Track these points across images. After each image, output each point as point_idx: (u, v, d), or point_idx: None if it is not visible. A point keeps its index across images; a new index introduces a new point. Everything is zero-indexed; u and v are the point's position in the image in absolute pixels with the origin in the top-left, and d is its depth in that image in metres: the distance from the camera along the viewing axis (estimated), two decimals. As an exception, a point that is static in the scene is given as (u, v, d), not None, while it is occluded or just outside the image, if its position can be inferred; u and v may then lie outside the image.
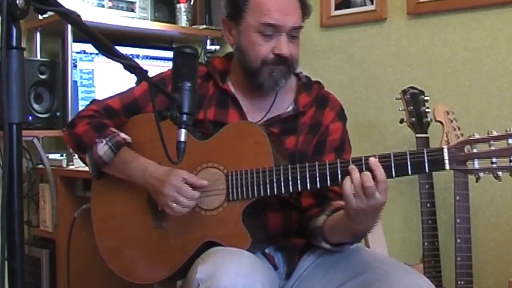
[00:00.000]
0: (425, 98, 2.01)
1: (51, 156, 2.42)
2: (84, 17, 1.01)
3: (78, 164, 2.27)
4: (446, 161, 1.24)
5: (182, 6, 2.77)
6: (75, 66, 2.42)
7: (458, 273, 1.91)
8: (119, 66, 1.08)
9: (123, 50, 2.23)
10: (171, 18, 2.78)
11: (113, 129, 1.56)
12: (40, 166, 2.45)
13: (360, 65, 2.47)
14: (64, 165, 2.36)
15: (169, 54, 2.70)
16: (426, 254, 1.97)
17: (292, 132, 1.55)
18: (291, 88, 1.62)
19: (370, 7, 2.41)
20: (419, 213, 1.99)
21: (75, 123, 1.60)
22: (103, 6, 2.49)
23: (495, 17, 2.10)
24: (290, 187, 1.38)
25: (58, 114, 2.41)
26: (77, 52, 2.43)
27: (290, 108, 1.59)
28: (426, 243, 1.97)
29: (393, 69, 2.37)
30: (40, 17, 2.38)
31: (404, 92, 2.02)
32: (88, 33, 1.02)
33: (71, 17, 1.00)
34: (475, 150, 1.23)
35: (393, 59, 2.37)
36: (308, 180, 1.36)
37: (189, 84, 1.22)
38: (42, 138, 2.48)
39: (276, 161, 1.42)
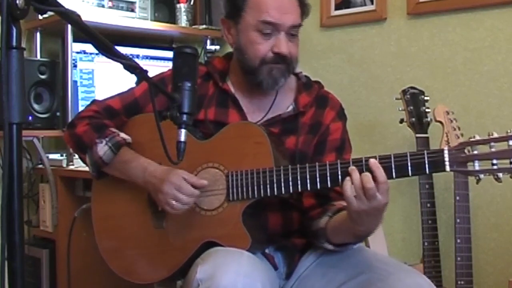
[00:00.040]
0: (425, 98, 2.01)
1: (51, 156, 2.42)
2: (84, 17, 1.01)
3: (78, 164, 2.27)
4: (447, 163, 1.24)
5: (182, 6, 2.77)
6: (75, 66, 2.42)
7: (458, 273, 1.91)
8: (119, 66, 1.08)
9: (123, 50, 2.23)
10: (171, 18, 2.78)
11: (113, 129, 1.56)
12: (40, 166, 2.45)
13: (360, 65, 2.47)
14: (64, 165, 2.36)
15: (169, 54, 2.70)
16: (426, 254, 1.97)
17: (292, 132, 1.55)
18: (291, 88, 1.62)
19: (370, 7, 2.41)
20: (419, 213, 1.99)
21: (75, 124, 1.60)
22: (103, 6, 2.49)
23: (495, 17, 2.10)
24: (290, 187, 1.38)
25: (58, 114, 2.41)
26: (77, 52, 2.42)
27: (290, 108, 1.59)
28: (426, 243, 1.98)
29: (393, 69, 2.37)
30: (40, 17, 2.38)
31: (404, 92, 2.02)
32: (88, 33, 1.02)
33: (71, 17, 1.00)
34: (475, 152, 1.23)
35: (393, 59, 2.37)
36: (308, 181, 1.36)
37: (189, 84, 1.22)
38: (42, 138, 2.48)
39: (277, 161, 1.42)
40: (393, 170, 1.27)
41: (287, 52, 1.49)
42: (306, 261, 1.53)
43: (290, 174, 1.38)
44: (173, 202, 1.40)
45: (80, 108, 2.27)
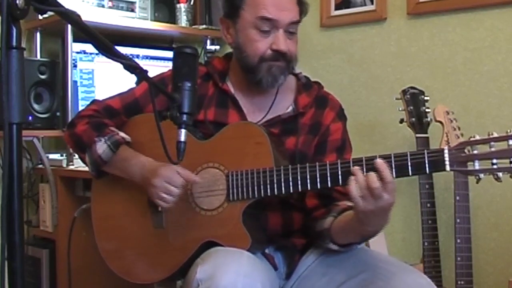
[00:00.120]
0: (425, 98, 2.01)
1: (51, 156, 2.42)
2: (84, 17, 1.01)
3: (78, 164, 2.27)
4: (447, 162, 1.24)
5: (182, 6, 2.77)
6: (75, 66, 2.42)
7: (458, 273, 1.91)
8: (119, 66, 1.08)
9: (123, 50, 2.23)
10: (171, 18, 2.78)
11: (113, 128, 1.56)
12: (40, 166, 2.45)
13: (360, 65, 2.47)
14: (64, 165, 2.36)
15: (169, 54, 2.70)
16: (426, 254, 1.97)
17: (292, 132, 1.55)
18: (291, 89, 1.62)
19: (370, 7, 2.41)
20: (419, 213, 1.99)
21: (75, 123, 1.60)
22: (103, 6, 2.49)
23: (495, 17, 2.10)
24: (291, 187, 1.38)
25: (58, 114, 2.41)
26: (77, 52, 2.43)
27: (290, 108, 1.59)
28: (426, 243, 1.97)
29: (393, 69, 2.37)
30: (40, 17, 2.38)
31: (404, 92, 2.02)
32: (88, 33, 1.02)
33: (71, 17, 1.00)
34: (475, 151, 1.23)
35: (393, 59, 2.37)
36: (308, 181, 1.36)
37: (189, 84, 1.22)
38: (42, 138, 2.48)
39: (277, 161, 1.42)
40: (393, 170, 1.27)
41: (286, 49, 1.49)
42: (306, 261, 1.53)
43: (290, 174, 1.38)
44: (164, 195, 1.40)
45: (80, 108, 2.27)
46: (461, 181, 1.94)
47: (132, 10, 2.58)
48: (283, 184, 1.38)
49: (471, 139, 1.24)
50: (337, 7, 2.51)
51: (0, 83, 0.92)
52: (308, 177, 1.36)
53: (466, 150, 1.24)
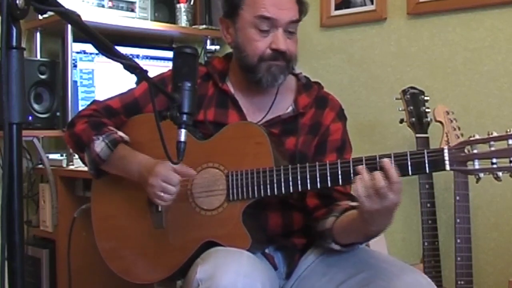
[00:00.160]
0: (425, 98, 2.01)
1: (51, 156, 2.42)
2: (84, 17, 1.01)
3: (78, 164, 2.27)
4: (447, 162, 1.24)
5: (182, 6, 2.77)
6: (75, 66, 2.42)
7: (458, 273, 1.91)
8: (119, 66, 1.08)
9: (123, 50, 2.23)
10: (171, 18, 2.78)
11: (111, 128, 1.56)
12: (40, 166, 2.45)
13: (360, 65, 2.47)
14: (64, 165, 2.36)
15: (169, 54, 2.70)
16: (426, 254, 1.97)
17: (292, 133, 1.55)
18: (291, 89, 1.62)
19: (370, 7, 2.41)
20: (419, 213, 1.99)
21: (74, 123, 1.60)
22: (103, 6, 2.49)
23: (495, 17, 2.10)
24: (291, 187, 1.38)
25: (58, 114, 2.41)
26: (77, 52, 2.43)
27: (290, 109, 1.59)
28: (426, 243, 1.97)
29: (393, 69, 2.37)
30: (40, 17, 2.38)
31: (404, 92, 2.02)
32: (88, 33, 1.02)
33: (71, 17, 1.00)
34: (475, 151, 1.23)
35: (393, 59, 2.37)
36: (308, 181, 1.36)
37: (189, 84, 1.22)
38: (42, 138, 2.48)
39: (277, 161, 1.42)
40: (393, 170, 1.27)
41: (285, 48, 1.49)
42: (306, 261, 1.53)
43: (290, 174, 1.38)
44: (161, 193, 1.40)
45: (80, 108, 2.27)
46: (461, 181, 1.94)
47: (132, 10, 2.58)
48: (283, 184, 1.38)
49: (471, 138, 1.24)
50: (337, 7, 2.51)
51: (0, 83, 0.92)
52: (308, 177, 1.36)
53: (466, 150, 1.24)
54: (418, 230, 2.03)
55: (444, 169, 1.25)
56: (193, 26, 2.81)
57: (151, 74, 1.19)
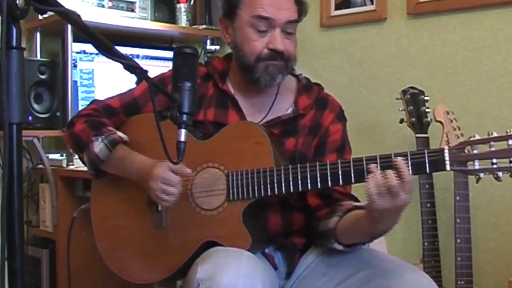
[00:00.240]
0: (425, 98, 2.01)
1: (51, 156, 2.42)
2: (84, 17, 1.01)
3: (78, 164, 2.27)
4: (447, 162, 1.24)
5: (182, 6, 2.77)
6: (75, 66, 2.42)
7: (458, 273, 1.92)
8: (119, 66, 1.08)
9: (123, 50, 2.23)
10: (171, 18, 2.78)
11: (110, 128, 1.56)
12: (40, 166, 2.45)
13: (360, 65, 2.47)
14: (64, 165, 2.36)
15: (169, 54, 2.70)
16: (426, 254, 1.97)
17: (292, 134, 1.55)
18: (291, 90, 1.62)
19: (370, 7, 2.41)
20: (419, 213, 1.99)
21: (73, 122, 1.60)
22: (103, 6, 2.49)
23: (495, 17, 2.10)
24: (291, 187, 1.38)
25: (58, 114, 2.41)
26: (77, 52, 2.43)
27: (290, 110, 1.59)
28: (426, 243, 1.98)
29: (393, 69, 2.37)
30: (40, 17, 2.38)
31: (404, 92, 2.02)
32: (88, 33, 1.02)
33: (71, 17, 1.00)
34: (475, 151, 1.23)
35: (393, 59, 2.37)
36: (308, 181, 1.36)
37: (189, 84, 1.22)
38: (42, 138, 2.48)
39: (277, 161, 1.42)
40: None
41: (283, 48, 1.49)
42: (306, 261, 1.53)
43: (290, 173, 1.38)
44: (163, 195, 1.40)
45: (80, 108, 2.27)
46: (461, 181, 1.94)
47: (132, 10, 2.58)
48: (283, 184, 1.38)
49: (471, 139, 1.24)
50: (337, 7, 2.51)
51: (0, 83, 0.92)
52: (308, 176, 1.36)
53: (466, 150, 1.24)
54: (418, 230, 2.03)
55: (445, 169, 1.25)
56: (193, 26, 2.81)
57: (151, 74, 1.19)
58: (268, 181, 1.39)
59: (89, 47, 2.43)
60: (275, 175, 1.39)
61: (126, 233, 1.58)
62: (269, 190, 1.39)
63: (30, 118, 2.31)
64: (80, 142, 1.56)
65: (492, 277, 2.11)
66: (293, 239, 1.54)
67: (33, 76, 2.30)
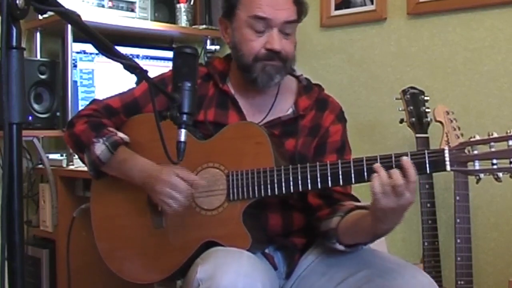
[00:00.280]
0: (425, 98, 2.01)
1: (51, 156, 2.42)
2: (84, 17, 1.01)
3: (78, 164, 2.27)
4: (447, 162, 1.24)
5: (182, 6, 2.77)
6: (75, 66, 2.42)
7: (458, 273, 1.91)
8: (119, 66, 1.08)
9: (123, 50, 2.23)
10: (171, 18, 2.78)
11: (111, 129, 1.55)
12: (40, 166, 2.45)
13: (360, 65, 2.47)
14: (64, 165, 2.36)
15: (169, 54, 2.70)
16: (426, 254, 1.97)
17: (292, 134, 1.55)
18: (292, 91, 1.62)
19: (370, 7, 2.41)
20: (419, 213, 1.99)
21: (74, 122, 1.60)
22: (103, 6, 2.49)
23: (495, 17, 2.10)
24: (291, 187, 1.38)
25: (58, 114, 2.41)
26: (77, 52, 2.43)
27: (290, 111, 1.59)
28: (426, 243, 1.97)
29: (393, 69, 2.37)
30: (40, 17, 2.38)
31: (404, 92, 2.02)
32: (88, 33, 1.02)
33: (71, 17, 1.00)
34: (475, 152, 1.23)
35: (393, 59, 2.37)
36: (309, 181, 1.36)
37: (189, 84, 1.22)
38: (42, 138, 2.48)
39: (277, 161, 1.42)
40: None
41: (280, 48, 1.49)
42: (306, 261, 1.53)
43: (290, 174, 1.38)
44: (170, 201, 1.40)
45: (80, 108, 2.27)
46: (461, 181, 1.94)
47: (132, 10, 2.58)
48: (283, 184, 1.38)
49: (471, 139, 1.24)
50: (337, 7, 2.51)
51: (0, 83, 0.92)
52: (308, 177, 1.36)
53: (466, 150, 1.24)
54: (418, 230, 2.03)
55: (445, 170, 1.25)
56: (193, 26, 2.81)
57: (151, 74, 1.19)
58: (269, 181, 1.39)
59: (89, 47, 2.43)
60: (275, 175, 1.39)
61: (126, 233, 1.57)
62: (269, 190, 1.39)
63: (30, 118, 2.31)
64: (80, 143, 1.56)
65: (492, 277, 2.11)
66: (293, 239, 1.54)
67: (33, 76, 2.30)
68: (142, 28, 2.61)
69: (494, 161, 1.21)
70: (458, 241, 1.93)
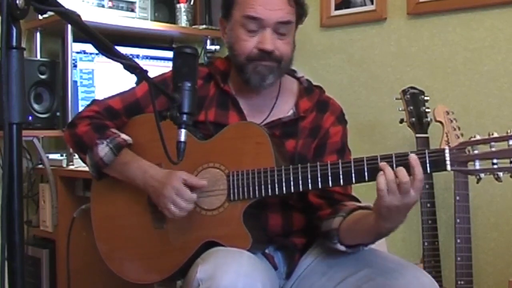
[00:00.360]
0: (425, 98, 2.01)
1: (51, 156, 2.42)
2: (84, 17, 1.01)
3: (78, 164, 2.27)
4: (448, 162, 1.24)
5: (182, 6, 2.77)
6: (75, 66, 2.42)
7: (458, 273, 1.91)
8: (119, 66, 1.07)
9: (123, 50, 2.23)
10: (171, 18, 2.78)
11: (114, 130, 1.55)
12: (40, 166, 2.45)
13: (360, 65, 2.47)
14: (64, 165, 2.36)
15: (169, 54, 2.70)
16: (426, 254, 1.97)
17: (292, 135, 1.55)
18: (293, 92, 1.62)
19: (370, 7, 2.41)
20: (419, 213, 1.98)
21: (75, 123, 1.59)
22: (103, 6, 2.49)
23: (495, 17, 2.10)
24: (292, 187, 1.38)
25: (58, 114, 2.41)
26: (77, 52, 2.43)
27: (291, 112, 1.58)
28: (426, 243, 1.97)
29: (393, 69, 2.37)
30: (40, 17, 2.38)
31: (404, 92, 2.02)
32: (88, 33, 1.02)
33: (71, 17, 1.00)
34: (476, 151, 1.23)
35: (393, 59, 2.37)
36: (309, 181, 1.36)
37: (189, 84, 1.22)
38: (42, 138, 2.48)
39: (277, 161, 1.42)
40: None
41: (272, 48, 1.47)
42: (306, 261, 1.53)
43: (291, 173, 1.38)
44: (172, 206, 1.40)
45: (80, 108, 2.27)
46: (461, 181, 1.94)
47: (132, 10, 2.58)
48: (284, 184, 1.38)
49: (472, 139, 1.24)
50: (337, 7, 2.51)
51: (0, 83, 0.92)
52: (309, 177, 1.36)
53: (466, 150, 1.24)
54: (418, 230, 2.03)
55: (445, 170, 1.25)
56: (193, 26, 2.81)
57: (151, 74, 1.19)
58: (269, 181, 1.39)
59: (89, 47, 2.43)
60: (276, 175, 1.39)
61: (126, 233, 1.57)
62: (269, 190, 1.39)
63: (30, 118, 2.31)
64: (82, 143, 1.56)
65: (492, 277, 2.11)
66: (293, 239, 1.54)
67: (33, 76, 2.30)
68: (142, 28, 2.61)
69: (495, 160, 1.21)
70: (458, 241, 1.93)
